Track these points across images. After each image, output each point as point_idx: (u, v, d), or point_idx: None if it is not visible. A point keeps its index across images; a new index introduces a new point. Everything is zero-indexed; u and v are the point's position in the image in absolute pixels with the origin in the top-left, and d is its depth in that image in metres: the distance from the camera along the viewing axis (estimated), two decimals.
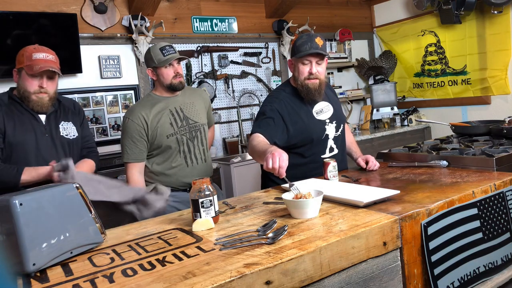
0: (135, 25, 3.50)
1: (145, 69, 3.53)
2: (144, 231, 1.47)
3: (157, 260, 1.17)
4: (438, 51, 4.62)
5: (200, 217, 1.42)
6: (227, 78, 4.10)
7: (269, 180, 2.12)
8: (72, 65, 3.24)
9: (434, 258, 1.38)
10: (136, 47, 3.57)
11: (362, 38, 5.23)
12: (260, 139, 1.88)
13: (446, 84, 4.63)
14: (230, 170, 3.34)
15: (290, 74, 2.32)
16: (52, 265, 1.20)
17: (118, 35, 3.55)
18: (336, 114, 2.17)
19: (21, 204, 1.16)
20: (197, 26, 3.96)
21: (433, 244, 1.38)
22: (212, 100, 3.93)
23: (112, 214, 1.81)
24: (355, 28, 5.06)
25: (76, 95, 3.34)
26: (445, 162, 2.02)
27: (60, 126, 2.03)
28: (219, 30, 4.09)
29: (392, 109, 4.85)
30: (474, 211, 1.52)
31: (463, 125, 2.77)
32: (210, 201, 1.44)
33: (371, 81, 5.12)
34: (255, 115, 2.18)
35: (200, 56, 3.96)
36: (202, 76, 3.96)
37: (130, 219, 1.86)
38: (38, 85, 1.91)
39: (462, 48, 4.40)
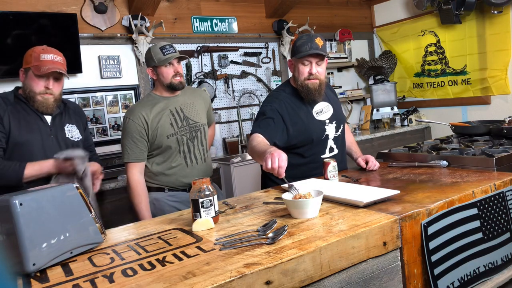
0: (135, 25, 3.50)
1: (145, 69, 3.54)
2: (144, 231, 1.47)
3: (157, 260, 1.17)
4: (438, 51, 4.62)
5: (200, 217, 1.42)
6: (227, 78, 4.10)
7: (269, 180, 2.12)
8: (72, 65, 3.21)
9: (434, 258, 1.38)
10: (136, 47, 3.57)
11: (362, 38, 5.23)
12: (259, 140, 1.88)
13: (446, 84, 4.63)
14: (230, 170, 3.34)
15: (290, 74, 2.32)
16: (52, 265, 1.20)
17: (118, 35, 3.55)
18: (336, 115, 2.17)
19: (21, 204, 1.16)
20: (197, 26, 3.96)
21: (433, 244, 1.38)
22: (212, 100, 3.92)
23: (112, 214, 1.81)
24: (355, 28, 5.06)
25: (76, 95, 3.34)
26: (445, 162, 2.02)
27: (65, 128, 2.03)
28: (219, 30, 4.09)
29: (392, 109, 4.85)
30: (474, 211, 1.52)
31: (463, 125, 2.77)
32: (210, 201, 1.44)
33: (371, 81, 5.12)
34: (255, 115, 2.18)
35: (200, 56, 3.96)
36: (202, 76, 3.96)
37: (130, 219, 1.86)
38: (44, 85, 1.90)
39: (462, 48, 4.40)
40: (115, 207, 2.82)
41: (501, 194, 1.63)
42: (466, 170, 1.92)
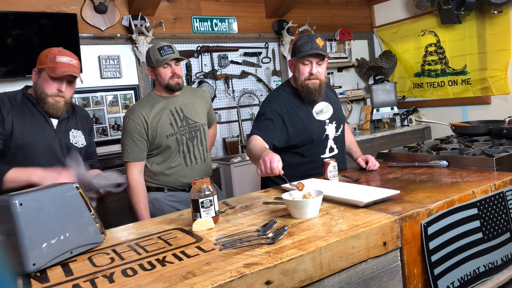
0: (135, 25, 3.50)
1: (145, 69, 3.54)
2: (144, 231, 1.47)
3: (157, 260, 1.17)
4: (438, 51, 4.62)
5: (200, 217, 1.42)
6: (227, 78, 4.10)
7: (269, 180, 2.13)
8: None
9: (434, 258, 1.38)
10: (136, 47, 3.57)
11: (362, 38, 5.23)
12: (256, 143, 1.90)
13: (446, 84, 4.63)
14: (230, 170, 3.34)
15: (290, 74, 2.32)
16: (52, 265, 1.20)
17: (118, 35, 3.55)
18: (336, 114, 2.17)
19: (21, 204, 1.16)
20: (197, 26, 3.96)
21: (433, 244, 1.38)
22: (212, 100, 3.92)
23: (112, 214, 1.81)
24: (355, 28, 5.06)
25: (76, 95, 3.34)
26: (445, 162, 2.02)
27: (70, 133, 1.99)
28: (219, 30, 4.09)
29: (392, 109, 4.85)
30: (474, 211, 1.52)
31: (463, 125, 2.77)
32: (210, 201, 1.44)
33: (371, 81, 5.12)
34: (255, 115, 2.18)
35: (200, 56, 3.96)
36: (202, 76, 3.96)
37: (130, 219, 1.86)
38: (57, 88, 1.86)
39: (462, 48, 4.40)
40: (115, 207, 2.82)
41: (501, 194, 1.63)
42: (466, 170, 1.92)
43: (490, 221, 1.56)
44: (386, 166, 2.19)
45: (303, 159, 2.09)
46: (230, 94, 4.14)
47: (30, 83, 1.98)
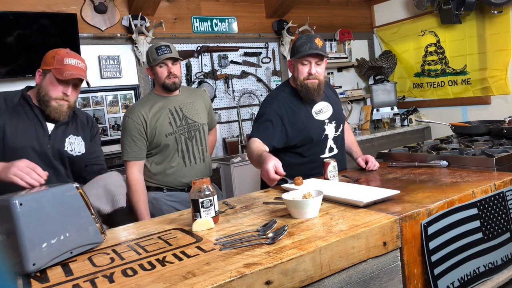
0: (135, 25, 3.50)
1: (145, 69, 3.54)
2: (144, 231, 1.47)
3: (157, 260, 1.17)
4: (438, 51, 4.62)
5: (200, 217, 1.42)
6: (227, 78, 4.10)
7: None
8: None
9: (434, 258, 1.38)
10: (136, 47, 3.57)
11: (362, 38, 5.23)
12: (255, 145, 1.91)
13: (446, 84, 4.63)
14: (230, 170, 3.34)
15: (290, 74, 2.32)
16: (52, 265, 1.20)
17: (118, 35, 3.55)
18: (335, 114, 2.17)
19: (21, 204, 1.16)
20: (197, 26, 3.96)
21: (433, 244, 1.38)
22: (212, 100, 3.92)
23: (112, 214, 1.81)
24: (355, 28, 5.06)
25: None
26: (445, 162, 2.02)
27: (66, 139, 1.87)
28: (219, 30, 4.09)
29: (392, 109, 4.85)
30: (474, 211, 1.52)
31: (463, 125, 2.77)
32: (210, 201, 1.44)
33: (371, 81, 5.12)
34: (255, 115, 2.18)
35: (200, 56, 3.96)
36: (202, 76, 3.96)
37: (130, 219, 1.85)
38: (62, 91, 1.76)
39: (462, 48, 4.40)
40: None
41: (501, 194, 1.62)
42: (466, 170, 1.92)
43: (490, 221, 1.56)
44: (386, 166, 2.19)
45: (303, 159, 2.09)
46: (230, 94, 4.14)
47: (30, 83, 1.95)
